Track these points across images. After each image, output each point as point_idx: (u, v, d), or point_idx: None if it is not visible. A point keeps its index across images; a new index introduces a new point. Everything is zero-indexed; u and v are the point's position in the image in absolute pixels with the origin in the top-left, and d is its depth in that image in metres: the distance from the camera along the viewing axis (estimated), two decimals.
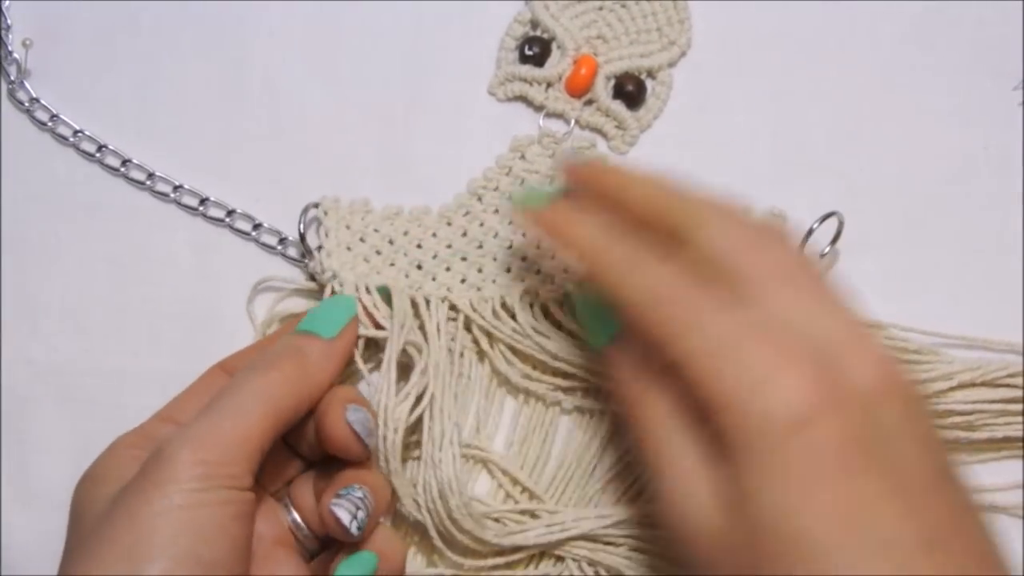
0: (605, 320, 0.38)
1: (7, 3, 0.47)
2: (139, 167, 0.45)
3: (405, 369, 0.41)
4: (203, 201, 0.45)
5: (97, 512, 0.34)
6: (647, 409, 0.35)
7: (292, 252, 0.44)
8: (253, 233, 0.45)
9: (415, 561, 0.41)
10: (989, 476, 0.41)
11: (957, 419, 0.40)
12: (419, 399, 0.40)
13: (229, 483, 0.34)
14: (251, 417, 0.35)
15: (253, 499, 0.35)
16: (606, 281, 0.35)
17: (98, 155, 0.45)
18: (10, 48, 0.46)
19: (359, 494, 0.36)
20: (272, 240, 0.45)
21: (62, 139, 0.46)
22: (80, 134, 0.46)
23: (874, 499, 0.29)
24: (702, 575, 0.32)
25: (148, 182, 0.45)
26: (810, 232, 0.42)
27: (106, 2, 0.47)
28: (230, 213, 0.45)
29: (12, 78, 0.46)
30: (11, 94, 0.46)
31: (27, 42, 0.46)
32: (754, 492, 0.30)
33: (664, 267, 0.34)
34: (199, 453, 0.34)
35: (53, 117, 0.46)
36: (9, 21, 0.47)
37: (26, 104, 0.46)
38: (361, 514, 0.36)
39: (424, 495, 0.39)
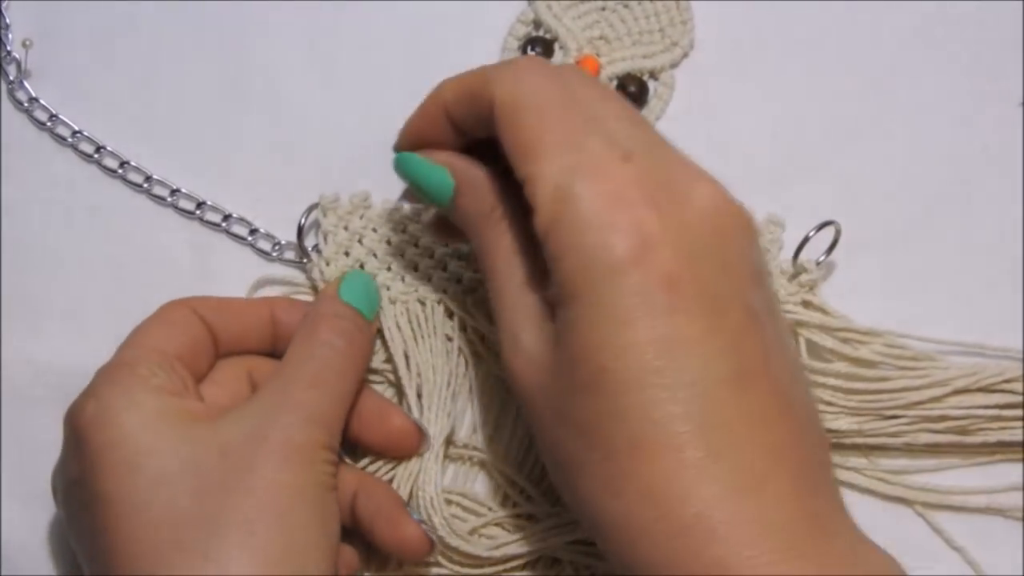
0: (439, 174, 0.37)
1: (6, 3, 0.47)
2: (137, 169, 0.45)
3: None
4: (200, 205, 0.45)
5: (172, 475, 0.33)
6: (492, 248, 0.35)
7: (289, 255, 0.44)
8: (249, 238, 0.45)
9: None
10: (987, 479, 0.41)
11: (951, 424, 0.41)
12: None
13: (334, 459, 0.35)
14: (348, 399, 0.37)
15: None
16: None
17: (96, 156, 0.45)
18: (9, 48, 0.46)
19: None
20: (267, 246, 0.44)
21: (61, 139, 0.46)
22: (79, 135, 0.45)
23: (687, 338, 0.29)
24: (528, 412, 0.33)
25: (145, 185, 0.45)
26: (806, 240, 0.42)
27: (106, 2, 0.47)
28: (226, 218, 0.45)
29: (11, 78, 0.46)
30: (11, 93, 0.46)
31: (27, 42, 0.46)
32: (572, 324, 0.31)
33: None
34: (323, 434, 0.35)
35: (52, 117, 0.46)
36: (8, 20, 0.46)
37: (25, 104, 0.46)
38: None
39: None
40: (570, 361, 0.31)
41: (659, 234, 0.30)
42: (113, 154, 0.45)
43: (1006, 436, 0.41)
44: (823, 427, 0.34)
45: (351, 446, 0.40)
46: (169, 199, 0.45)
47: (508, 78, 0.34)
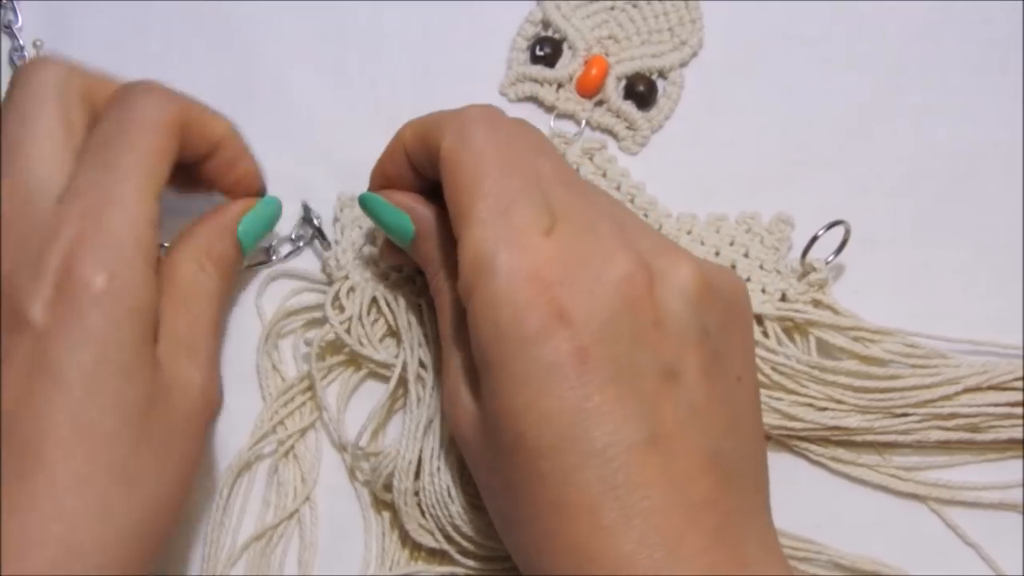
0: (401, 218, 0.38)
1: (19, 24, 0.47)
2: None
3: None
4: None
5: None
6: (439, 298, 0.37)
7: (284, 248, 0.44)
8: None
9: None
10: (1000, 475, 0.42)
11: (962, 421, 0.41)
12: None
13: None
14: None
15: None
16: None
17: None
18: (22, 43, 0.46)
19: None
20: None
21: None
22: None
23: (597, 407, 0.31)
24: (467, 460, 0.35)
25: None
26: (814, 239, 0.42)
27: (116, 3, 0.47)
28: None
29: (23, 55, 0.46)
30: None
31: (38, 43, 0.46)
32: (491, 390, 0.32)
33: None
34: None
35: None
36: (22, 41, 0.46)
37: None
38: None
39: (427, 505, 0.39)
40: (494, 423, 0.32)
41: (571, 310, 0.31)
42: None
43: (1017, 433, 0.41)
44: (764, 466, 0.35)
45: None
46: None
47: (454, 130, 0.35)
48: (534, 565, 0.32)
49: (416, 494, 0.39)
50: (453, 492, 0.39)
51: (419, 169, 0.38)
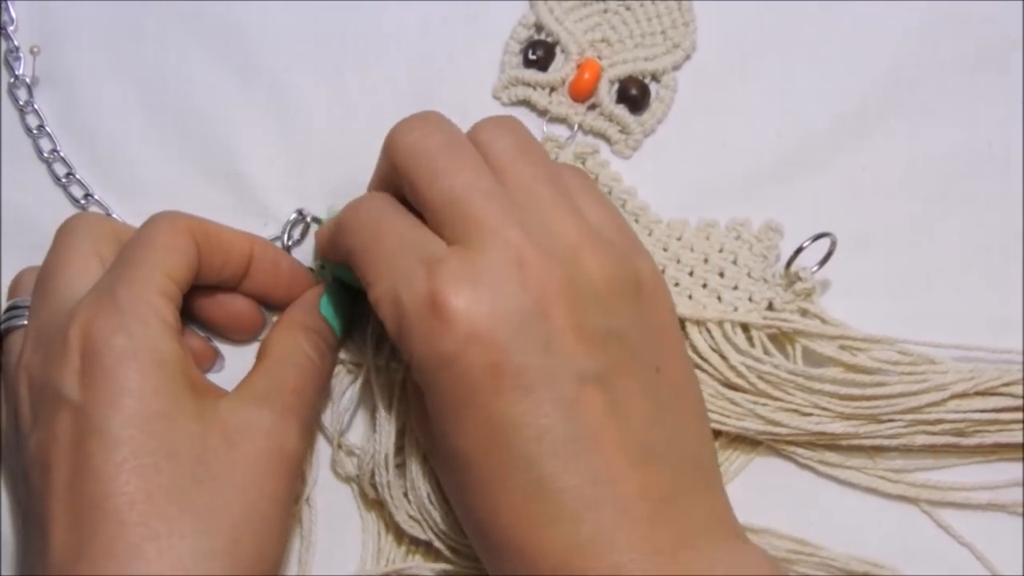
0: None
1: (13, 26, 0.47)
2: (99, 203, 0.45)
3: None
4: None
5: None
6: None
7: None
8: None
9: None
10: (989, 475, 0.42)
11: (947, 427, 0.41)
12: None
13: None
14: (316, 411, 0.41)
15: None
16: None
17: (64, 181, 0.46)
18: (19, 73, 0.46)
19: None
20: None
21: (40, 153, 0.46)
22: (55, 153, 0.46)
23: (519, 414, 0.33)
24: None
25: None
26: (799, 250, 0.42)
27: (112, 3, 0.47)
28: None
29: (17, 73, 0.46)
30: (11, 90, 0.46)
31: (35, 49, 0.46)
32: (430, 415, 0.35)
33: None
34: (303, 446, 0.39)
35: (39, 127, 0.46)
36: (17, 43, 0.46)
37: (21, 104, 0.46)
38: None
39: (415, 508, 0.40)
40: (436, 440, 0.36)
41: (481, 327, 0.33)
42: (80, 183, 0.45)
43: (1003, 438, 0.41)
44: (704, 445, 0.37)
45: None
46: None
47: (337, 222, 0.39)
48: (490, 566, 0.35)
49: (405, 493, 0.40)
50: (433, 498, 0.39)
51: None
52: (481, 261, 0.34)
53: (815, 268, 0.42)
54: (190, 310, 0.41)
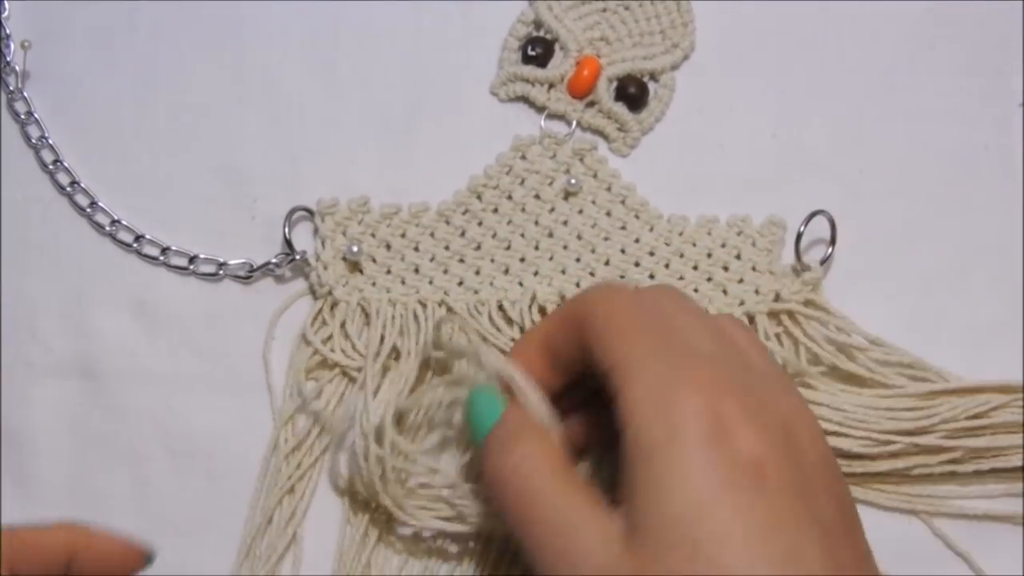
0: (489, 405, 0.37)
1: (6, 13, 0.46)
2: (104, 211, 0.45)
3: None
4: (164, 251, 0.44)
5: None
6: (528, 471, 0.34)
7: (239, 273, 0.44)
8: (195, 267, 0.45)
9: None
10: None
11: (943, 456, 0.41)
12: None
13: None
14: None
15: None
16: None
17: (69, 190, 0.45)
18: (9, 59, 0.46)
19: None
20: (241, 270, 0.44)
21: (43, 165, 0.45)
22: (58, 163, 0.45)
23: (784, 513, 0.31)
24: None
25: (111, 228, 0.45)
26: (799, 236, 0.42)
27: (104, 3, 0.46)
28: (193, 259, 0.44)
29: (11, 87, 0.46)
30: (10, 103, 0.46)
31: (26, 44, 0.45)
32: (663, 492, 0.31)
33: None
34: None
35: (41, 138, 0.45)
36: (8, 31, 0.46)
37: (22, 116, 0.46)
38: None
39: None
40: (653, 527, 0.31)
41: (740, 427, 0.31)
42: (85, 191, 0.45)
43: (998, 464, 0.41)
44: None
45: None
46: (134, 245, 0.45)
47: (596, 300, 0.36)
48: None
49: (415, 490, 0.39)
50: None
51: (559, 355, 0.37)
52: (754, 383, 0.33)
53: (828, 250, 0.43)
54: None
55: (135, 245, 0.44)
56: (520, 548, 0.33)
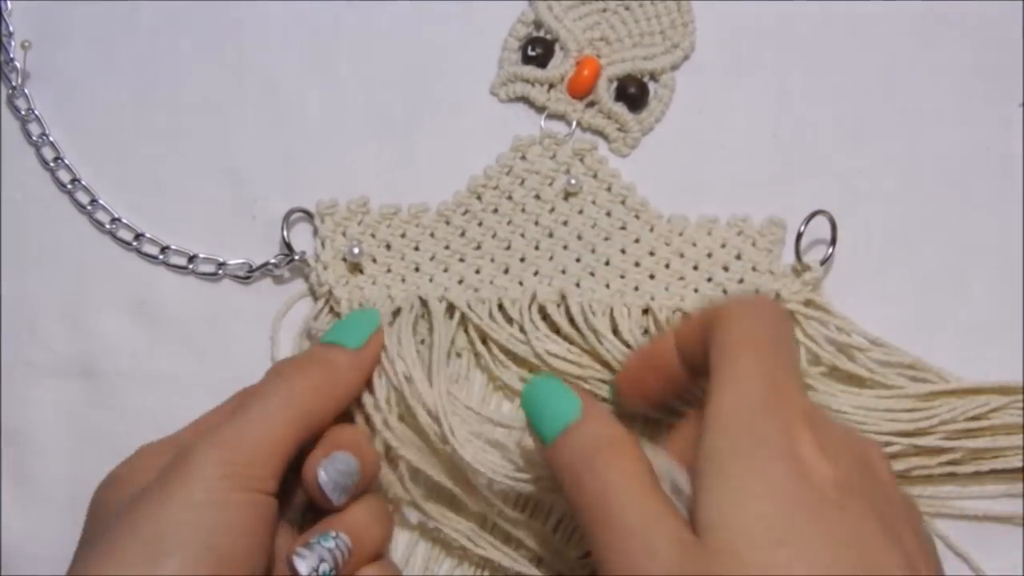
0: (564, 402, 0.36)
1: (8, 9, 0.46)
2: (105, 208, 0.45)
3: None
4: (164, 250, 0.44)
5: (116, 511, 0.34)
6: (608, 470, 0.34)
7: (239, 273, 0.44)
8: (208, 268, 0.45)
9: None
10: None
11: (943, 458, 0.41)
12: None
13: (252, 484, 0.34)
14: (277, 422, 0.35)
15: (275, 505, 0.35)
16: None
17: (69, 187, 0.45)
18: (11, 55, 0.46)
19: (330, 544, 0.36)
20: (242, 271, 0.44)
21: (44, 163, 0.46)
22: (59, 160, 0.45)
23: (866, 531, 0.30)
24: None
25: (111, 226, 0.45)
26: (799, 236, 0.43)
27: (104, 3, 0.46)
28: (192, 258, 0.44)
29: (13, 84, 0.46)
30: (11, 100, 0.46)
31: (26, 44, 0.46)
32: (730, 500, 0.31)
33: None
34: (224, 453, 0.34)
35: (42, 135, 0.45)
36: (12, 28, 0.46)
37: (23, 112, 0.46)
38: (325, 567, 0.35)
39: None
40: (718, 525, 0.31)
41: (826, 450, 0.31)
42: (86, 188, 0.45)
43: (998, 464, 0.41)
44: None
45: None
46: (134, 243, 0.45)
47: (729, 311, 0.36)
48: None
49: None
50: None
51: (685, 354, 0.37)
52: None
53: (829, 251, 0.43)
54: None
55: (135, 243, 0.45)
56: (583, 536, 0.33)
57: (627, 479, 0.33)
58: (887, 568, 0.30)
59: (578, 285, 0.43)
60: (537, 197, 0.44)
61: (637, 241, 0.44)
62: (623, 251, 0.43)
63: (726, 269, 0.43)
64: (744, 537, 0.30)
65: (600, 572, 0.33)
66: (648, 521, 0.32)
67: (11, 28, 0.46)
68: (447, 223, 0.44)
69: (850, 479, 0.31)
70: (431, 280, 0.43)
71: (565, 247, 0.44)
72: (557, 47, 0.45)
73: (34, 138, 0.45)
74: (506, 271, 0.43)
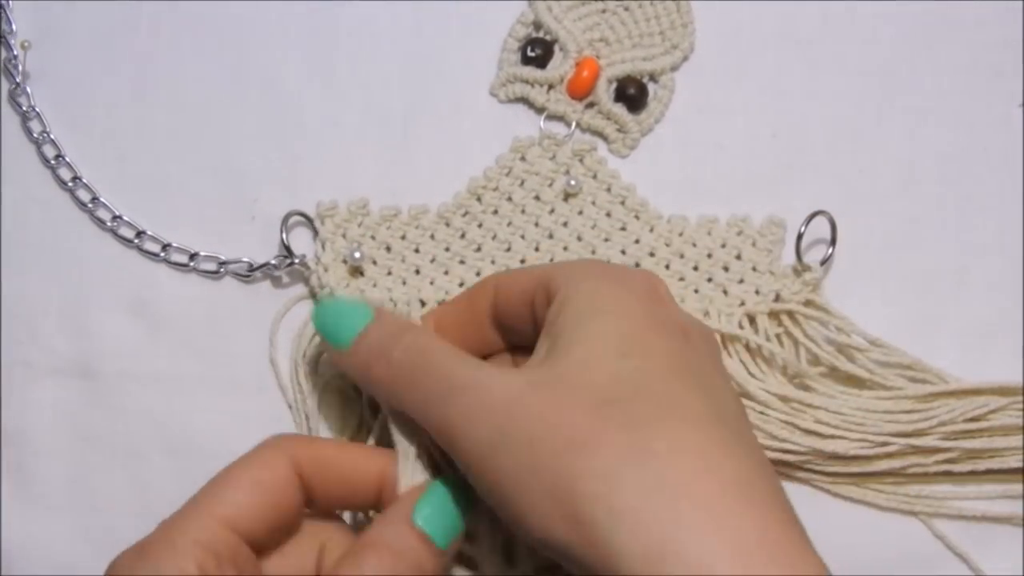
0: (356, 311, 0.36)
1: (9, 7, 0.46)
2: (106, 206, 0.45)
3: None
4: (165, 247, 0.44)
5: None
6: (421, 347, 0.35)
7: (240, 271, 0.44)
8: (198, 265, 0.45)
9: None
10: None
11: (939, 456, 0.41)
12: None
13: None
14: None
15: None
16: None
17: (70, 185, 0.45)
18: (15, 52, 0.46)
19: None
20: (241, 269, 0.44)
21: (45, 161, 0.46)
22: (60, 158, 0.45)
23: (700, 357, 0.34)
24: None
25: (112, 224, 0.45)
26: (800, 237, 0.43)
27: (104, 3, 0.46)
28: (194, 256, 0.44)
29: (17, 80, 0.46)
30: (12, 97, 0.46)
31: (26, 44, 0.46)
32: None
33: None
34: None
35: (43, 133, 0.45)
36: (14, 26, 0.46)
37: (23, 110, 0.46)
38: None
39: None
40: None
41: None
42: (87, 186, 0.45)
43: (994, 464, 0.41)
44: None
45: None
46: (135, 240, 0.45)
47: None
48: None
49: None
50: None
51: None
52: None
53: (829, 250, 0.43)
54: None
55: (136, 241, 0.44)
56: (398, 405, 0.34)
57: (441, 341, 0.34)
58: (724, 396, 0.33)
59: None
60: (537, 198, 0.44)
61: (637, 242, 0.44)
62: (623, 252, 0.43)
63: (726, 269, 0.43)
64: (592, 352, 0.32)
65: (439, 434, 0.32)
66: (477, 363, 0.33)
67: (13, 26, 0.46)
68: (447, 225, 0.44)
69: (694, 331, 0.34)
70: (432, 283, 0.43)
71: (565, 248, 0.44)
72: (556, 48, 0.45)
73: (35, 136, 0.45)
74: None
